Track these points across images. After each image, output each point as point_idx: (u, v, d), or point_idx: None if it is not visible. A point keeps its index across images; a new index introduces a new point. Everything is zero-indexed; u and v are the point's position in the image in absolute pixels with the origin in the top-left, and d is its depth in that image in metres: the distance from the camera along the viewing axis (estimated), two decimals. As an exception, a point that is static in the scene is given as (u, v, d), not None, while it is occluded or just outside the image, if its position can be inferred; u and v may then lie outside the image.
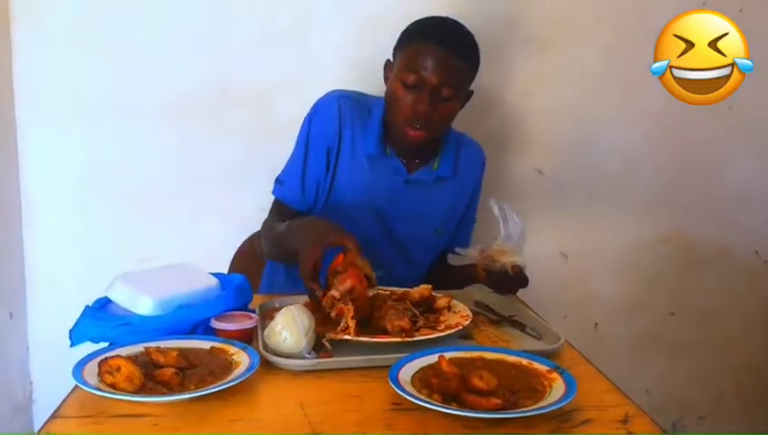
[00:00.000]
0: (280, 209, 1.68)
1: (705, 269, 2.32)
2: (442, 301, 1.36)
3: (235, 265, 1.95)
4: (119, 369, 1.00)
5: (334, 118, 1.64)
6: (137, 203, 2.17)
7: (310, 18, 2.03)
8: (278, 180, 1.69)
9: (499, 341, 1.27)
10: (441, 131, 1.64)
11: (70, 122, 2.12)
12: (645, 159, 2.25)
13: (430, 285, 1.40)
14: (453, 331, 1.23)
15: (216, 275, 1.39)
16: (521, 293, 1.65)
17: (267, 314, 1.34)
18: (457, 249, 1.54)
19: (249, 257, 1.93)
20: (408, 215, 1.70)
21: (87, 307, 1.27)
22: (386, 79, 1.64)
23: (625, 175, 2.25)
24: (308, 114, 1.68)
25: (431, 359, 1.10)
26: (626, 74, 2.17)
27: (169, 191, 2.16)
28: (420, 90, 1.52)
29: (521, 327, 1.34)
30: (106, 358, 1.02)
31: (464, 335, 1.27)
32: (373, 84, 1.74)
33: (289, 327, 1.13)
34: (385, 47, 1.68)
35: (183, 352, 1.10)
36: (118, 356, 1.03)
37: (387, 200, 1.67)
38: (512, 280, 1.46)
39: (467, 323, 1.27)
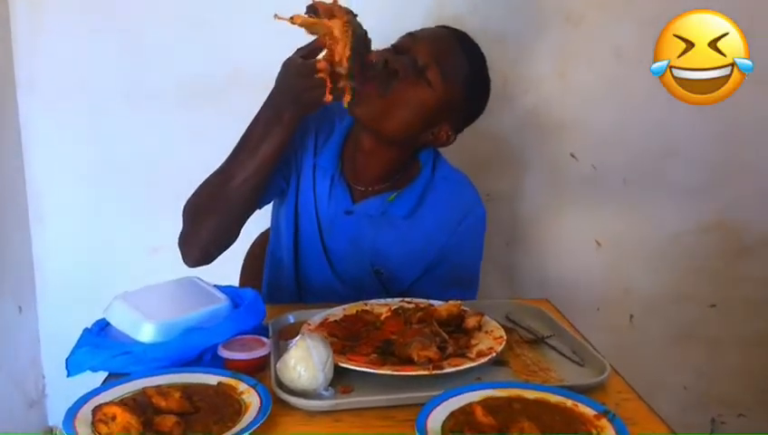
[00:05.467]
0: None
1: (749, 259, 2.17)
2: (472, 320, 1.23)
3: (248, 259, 1.85)
4: (114, 418, 0.89)
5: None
6: (146, 192, 2.09)
7: (324, 2, 1.90)
8: None
9: (538, 369, 1.14)
10: (390, 117, 1.31)
11: (75, 111, 2.04)
12: (686, 142, 2.09)
13: (459, 302, 1.27)
14: (486, 359, 1.11)
15: (225, 289, 1.27)
16: (556, 297, 1.53)
17: (281, 334, 1.23)
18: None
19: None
20: (345, 248, 1.47)
21: (86, 331, 1.17)
22: None
23: (664, 159, 2.11)
24: None
25: (463, 399, 0.98)
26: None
27: (180, 180, 2.05)
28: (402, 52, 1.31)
29: (560, 350, 1.21)
30: (100, 405, 0.91)
31: (498, 361, 1.15)
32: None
33: (304, 362, 1.01)
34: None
35: (187, 392, 0.99)
36: (113, 403, 0.92)
37: (324, 229, 1.47)
38: None
39: (501, 347, 1.15)
